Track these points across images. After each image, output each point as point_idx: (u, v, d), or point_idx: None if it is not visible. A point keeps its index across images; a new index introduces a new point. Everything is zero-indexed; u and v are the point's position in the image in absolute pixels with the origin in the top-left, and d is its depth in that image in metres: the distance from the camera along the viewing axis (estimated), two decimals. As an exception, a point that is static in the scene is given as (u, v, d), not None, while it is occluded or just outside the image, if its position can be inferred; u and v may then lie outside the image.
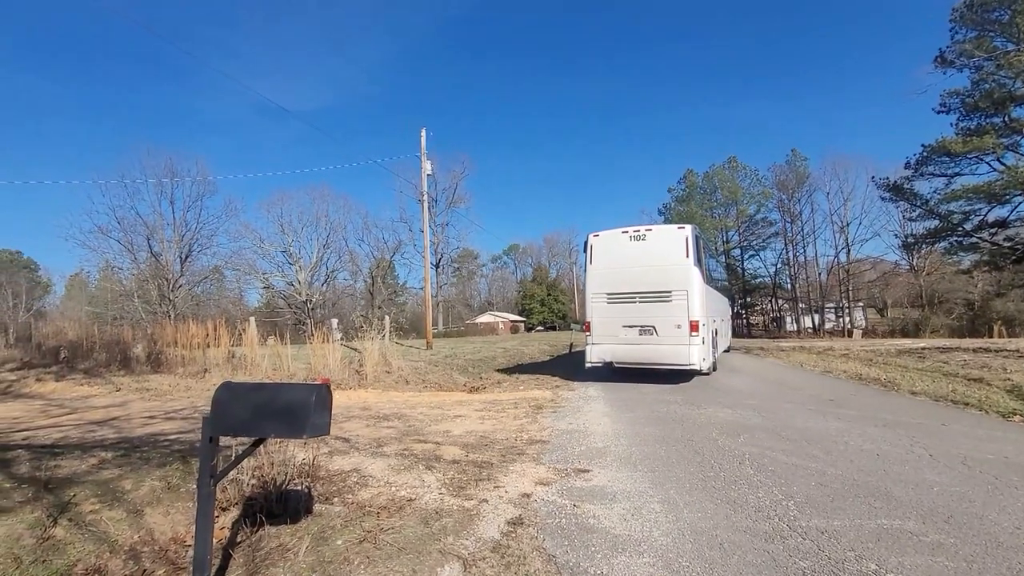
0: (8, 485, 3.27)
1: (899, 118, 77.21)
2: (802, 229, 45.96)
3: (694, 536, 2.99)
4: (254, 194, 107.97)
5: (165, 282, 34.90)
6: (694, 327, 9.55)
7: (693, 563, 2.66)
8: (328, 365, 10.45)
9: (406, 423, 6.44)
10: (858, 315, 45.11)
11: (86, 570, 2.58)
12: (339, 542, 2.88)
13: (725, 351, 17.11)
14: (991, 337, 24.87)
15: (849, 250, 43.19)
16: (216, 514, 2.97)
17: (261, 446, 2.73)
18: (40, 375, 10.39)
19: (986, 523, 3.10)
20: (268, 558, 2.76)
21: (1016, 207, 25.85)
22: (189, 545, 2.97)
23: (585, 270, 11.06)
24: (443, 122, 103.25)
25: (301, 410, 2.21)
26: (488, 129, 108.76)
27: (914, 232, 34.11)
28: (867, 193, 40.62)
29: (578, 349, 17.34)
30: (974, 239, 27.92)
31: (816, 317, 44.98)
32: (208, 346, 12.04)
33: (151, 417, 6.53)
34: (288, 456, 3.67)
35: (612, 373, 11.23)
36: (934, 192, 28.76)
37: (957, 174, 27.69)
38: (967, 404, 7.25)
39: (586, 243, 10.98)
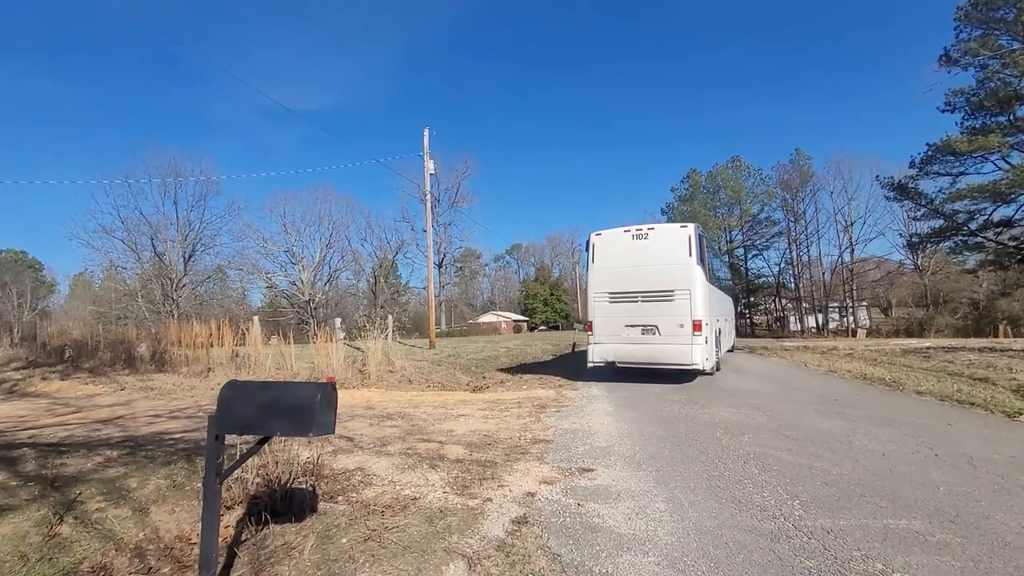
0: (14, 483, 3.29)
1: (903, 118, 77.09)
2: (806, 228, 45.92)
3: (699, 535, 2.98)
4: (257, 194, 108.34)
5: (169, 281, 35.07)
6: (697, 326, 9.50)
7: (699, 562, 2.65)
8: (331, 364, 10.47)
9: (409, 422, 6.44)
10: (862, 315, 44.96)
11: (92, 568, 2.59)
12: (344, 540, 2.88)
13: (729, 351, 17.06)
14: (996, 337, 24.74)
15: (853, 249, 43.10)
16: (221, 512, 2.98)
17: (265, 445, 2.74)
18: (45, 374, 10.44)
19: (992, 523, 3.09)
20: (273, 556, 2.76)
21: (1022, 206, 25.74)
22: (194, 543, 2.98)
23: (587, 269, 11.00)
24: (446, 122, 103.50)
25: (307, 408, 2.21)
26: (491, 129, 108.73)
27: (919, 231, 34.02)
28: (871, 192, 40.52)
29: (581, 349, 17.33)
30: (979, 238, 27.79)
31: (820, 317, 44.85)
32: (212, 345, 12.08)
33: (156, 416, 6.55)
34: (292, 455, 3.68)
35: (615, 373, 11.20)
36: (939, 191, 28.67)
37: (962, 173, 27.59)
38: (973, 404, 7.22)
39: (588, 242, 10.93)
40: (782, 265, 48.26)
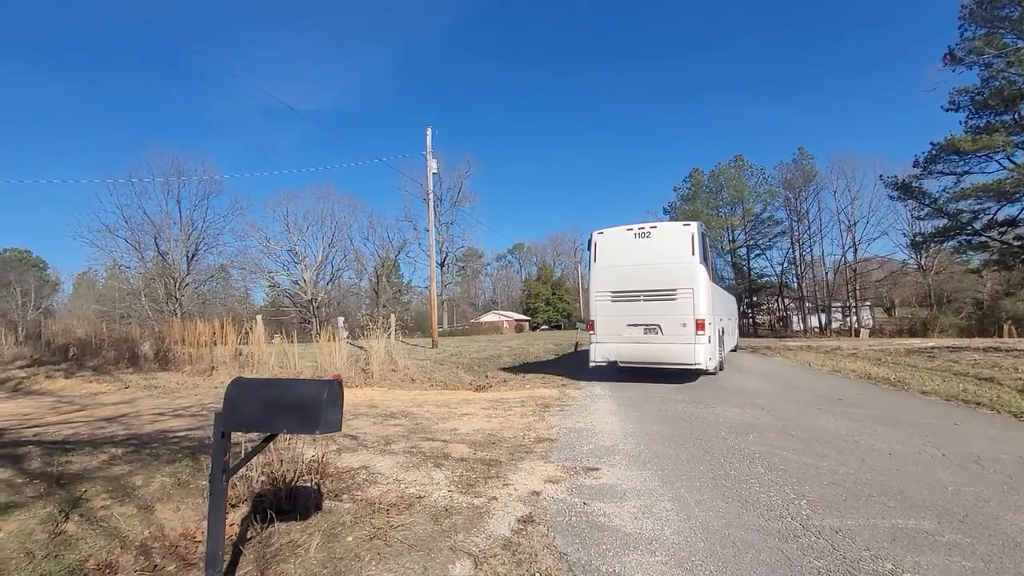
0: (20, 480, 3.29)
1: (904, 118, 76.93)
2: (809, 228, 45.68)
3: (706, 535, 2.97)
4: (260, 193, 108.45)
5: (172, 281, 35.16)
6: (700, 326, 9.43)
7: (706, 562, 2.63)
8: (335, 363, 10.47)
9: (413, 421, 6.43)
10: (865, 314, 44.76)
11: (98, 565, 2.59)
12: (350, 538, 2.87)
13: (732, 350, 17.00)
14: (1001, 337, 24.62)
15: (856, 249, 42.85)
16: (226, 510, 2.97)
17: (270, 443, 2.73)
18: (50, 372, 10.47)
19: (1002, 523, 3.06)
20: (279, 554, 2.75)
21: (1026, 206, 25.61)
22: (199, 541, 2.98)
23: (589, 268, 10.91)
24: (446, 122, 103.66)
25: (313, 406, 2.20)
26: (491, 129, 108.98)
27: (922, 231, 33.90)
28: (875, 192, 40.26)
29: (583, 348, 17.29)
30: (983, 238, 27.68)
31: (823, 316, 44.69)
32: (215, 344, 12.10)
33: (160, 414, 6.56)
34: (297, 453, 3.68)
35: (618, 372, 11.16)
36: (943, 191, 28.57)
37: (966, 172, 27.48)
38: (979, 404, 7.17)
39: (590, 241, 10.83)
40: (785, 265, 48.11)
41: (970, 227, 27.95)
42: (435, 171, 21.77)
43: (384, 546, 2.79)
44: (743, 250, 48.96)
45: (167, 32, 71.10)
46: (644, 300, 9.97)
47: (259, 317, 12.85)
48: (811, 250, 46.47)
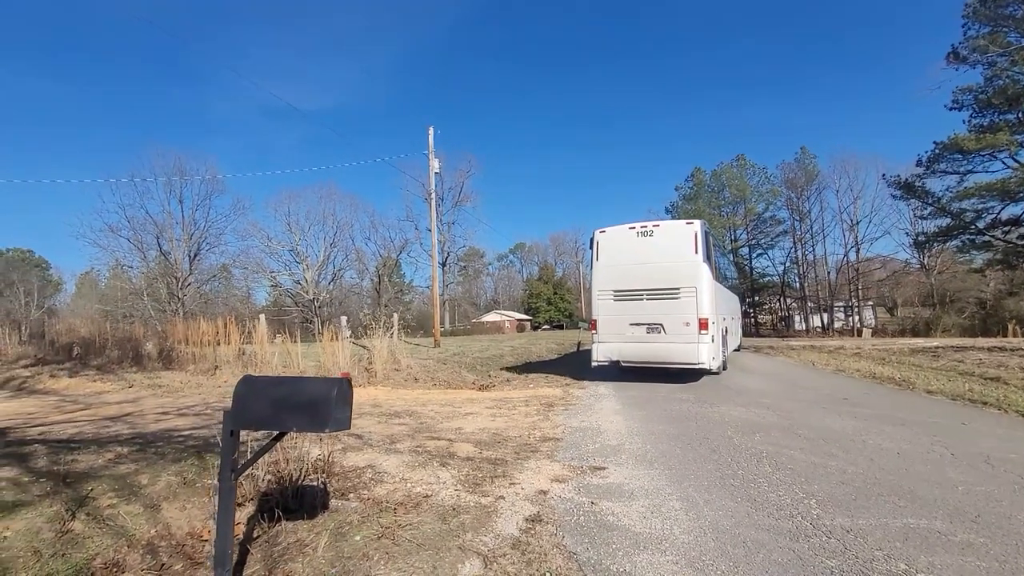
0: (27, 479, 3.28)
1: (909, 117, 76.65)
2: (811, 227, 45.55)
3: (716, 534, 2.94)
4: (261, 193, 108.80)
5: (174, 280, 35.21)
6: (703, 325, 9.37)
7: (717, 561, 2.61)
8: (338, 363, 10.46)
9: (418, 420, 6.42)
10: (867, 314, 44.66)
11: (105, 564, 2.58)
12: (357, 538, 2.86)
13: (735, 350, 16.97)
14: (1005, 336, 24.54)
15: (859, 248, 42.74)
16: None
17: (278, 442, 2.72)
18: (54, 371, 10.48)
19: (1015, 523, 3.03)
20: (286, 553, 2.74)
21: (1030, 204, 25.53)
22: (206, 540, 2.96)
23: (591, 267, 10.83)
24: (446, 122, 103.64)
25: (323, 404, 2.19)
26: (491, 129, 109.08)
27: (925, 230, 33.77)
28: (877, 191, 40.17)
29: (586, 348, 17.28)
30: (987, 237, 27.61)
31: (825, 316, 44.59)
32: (219, 343, 12.10)
33: (164, 413, 6.55)
34: (302, 452, 3.66)
35: (621, 372, 11.11)
36: (946, 190, 28.51)
37: (970, 171, 27.42)
38: (985, 403, 7.14)
39: (592, 240, 10.74)
40: (787, 264, 48.00)
41: (973, 226, 27.88)
42: (437, 171, 21.76)
43: (392, 545, 2.77)
44: (745, 250, 48.88)
45: (167, 32, 71.18)
46: (647, 299, 9.90)
47: (262, 316, 12.84)
48: (813, 250, 46.40)
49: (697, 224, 9.92)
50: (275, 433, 2.49)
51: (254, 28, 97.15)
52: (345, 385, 2.31)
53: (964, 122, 27.27)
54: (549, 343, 26.05)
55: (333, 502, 3.38)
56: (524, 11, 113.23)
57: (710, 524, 3.09)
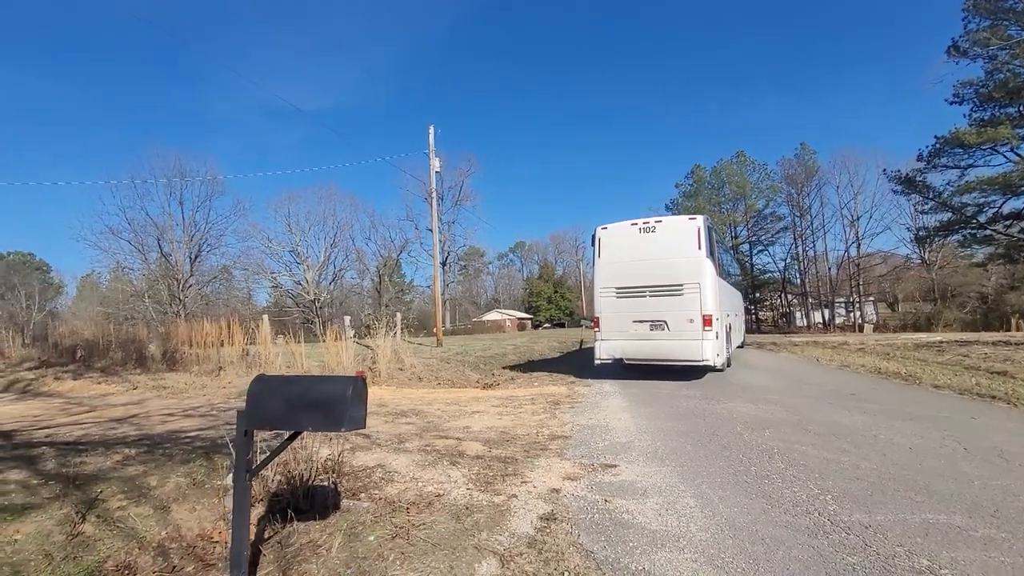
0: (36, 482, 3.25)
1: (911, 112, 76.47)
2: (811, 223, 45.46)
3: (733, 531, 2.91)
4: (261, 194, 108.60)
5: (175, 282, 35.16)
6: (707, 321, 9.29)
7: (737, 559, 2.58)
8: (342, 363, 10.43)
9: (424, 419, 6.39)
10: (868, 310, 44.62)
11: (117, 566, 2.55)
12: (371, 538, 2.83)
13: (739, 346, 16.92)
14: (1008, 330, 24.50)
15: (859, 244, 42.66)
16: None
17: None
18: (58, 374, 10.44)
19: (1035, 517, 3.00)
20: (300, 554, 2.71)
21: (1032, 198, 25.47)
22: (216, 541, 2.93)
23: (593, 264, 10.73)
24: (446, 122, 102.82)
25: (338, 403, 2.16)
26: (491, 129, 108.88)
27: (926, 225, 33.67)
28: (878, 186, 40.06)
29: (588, 346, 17.24)
30: (988, 231, 27.53)
31: (826, 312, 44.54)
32: (222, 344, 12.07)
33: (170, 415, 6.52)
34: (311, 452, 3.63)
35: (624, 369, 11.04)
36: (947, 184, 28.43)
37: (971, 166, 27.34)
38: (994, 397, 7.10)
39: (594, 236, 10.63)
40: (788, 260, 47.94)
41: (975, 220, 27.80)
42: (438, 170, 21.70)
43: (407, 545, 2.74)
44: (745, 246, 48.79)
45: (167, 32, 71.05)
46: (650, 296, 9.81)
47: (266, 317, 12.81)
48: (814, 246, 46.32)
49: (700, 219, 9.84)
50: (288, 433, 2.47)
51: (254, 28, 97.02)
52: (360, 383, 2.28)
53: (965, 116, 27.24)
54: (551, 341, 26.02)
55: (344, 502, 3.35)
56: (524, 11, 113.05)
57: (726, 521, 3.06)
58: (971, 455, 4.34)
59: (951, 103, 27.48)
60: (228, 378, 10.37)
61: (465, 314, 64.66)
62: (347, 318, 13.77)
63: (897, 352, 14.30)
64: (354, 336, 13.91)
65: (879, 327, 37.60)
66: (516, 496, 3.51)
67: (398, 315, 13.46)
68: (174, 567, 2.66)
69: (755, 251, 49.12)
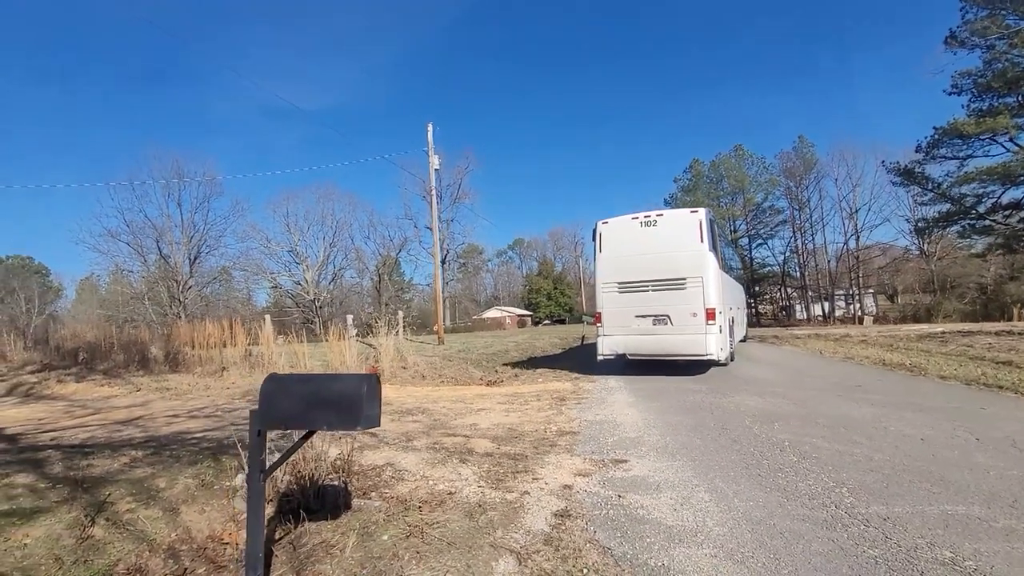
0: (43, 485, 3.21)
1: (909, 103, 76.46)
2: (810, 216, 45.45)
3: (751, 525, 2.88)
4: (260, 194, 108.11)
5: (175, 284, 35.10)
6: (710, 315, 9.22)
7: (757, 553, 2.54)
8: (345, 361, 10.39)
9: (431, 417, 6.35)
10: (868, 302, 44.66)
11: (127, 569, 2.52)
12: (385, 537, 2.79)
13: (742, 340, 16.90)
14: (1010, 320, 24.52)
15: (858, 236, 42.65)
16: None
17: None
18: (60, 376, 10.39)
19: (1054, 507, 2.97)
20: (313, 554, 2.67)
21: (1031, 188, 25.43)
22: (227, 543, 2.90)
23: (594, 259, 10.64)
24: (446, 122, 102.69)
25: (354, 401, 2.12)
26: (491, 129, 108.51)
27: (925, 216, 33.65)
28: (876, 178, 40.03)
29: (590, 342, 17.22)
30: (988, 222, 27.47)
31: (826, 305, 44.57)
32: (224, 345, 12.02)
33: (174, 416, 6.48)
34: (320, 451, 3.59)
35: (627, 365, 10.95)
36: (946, 175, 28.35)
37: (970, 156, 27.25)
38: (1001, 387, 7.08)
39: (595, 231, 10.52)
40: (787, 254, 47.92)
41: (974, 211, 27.76)
42: (437, 167, 21.63)
43: (422, 544, 2.71)
44: (745, 240, 48.77)
45: (167, 32, 70.67)
46: (652, 290, 9.72)
47: (268, 317, 12.77)
48: (813, 239, 46.32)
49: (702, 212, 9.75)
50: (299, 433, 2.43)
51: (254, 28, 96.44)
52: (374, 381, 2.24)
53: (963, 107, 27.13)
54: (552, 338, 26.01)
55: (356, 501, 3.32)
56: (524, 11, 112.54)
57: (743, 515, 3.03)
58: (984, 445, 4.32)
59: (950, 94, 27.41)
60: (231, 379, 10.32)
61: (465, 312, 64.64)
62: (349, 317, 13.72)
63: (900, 343, 14.29)
64: (356, 335, 13.88)
65: (879, 319, 37.64)
66: (528, 493, 3.48)
67: (400, 313, 13.42)
68: (185, 569, 2.62)
69: (754, 245, 49.13)
